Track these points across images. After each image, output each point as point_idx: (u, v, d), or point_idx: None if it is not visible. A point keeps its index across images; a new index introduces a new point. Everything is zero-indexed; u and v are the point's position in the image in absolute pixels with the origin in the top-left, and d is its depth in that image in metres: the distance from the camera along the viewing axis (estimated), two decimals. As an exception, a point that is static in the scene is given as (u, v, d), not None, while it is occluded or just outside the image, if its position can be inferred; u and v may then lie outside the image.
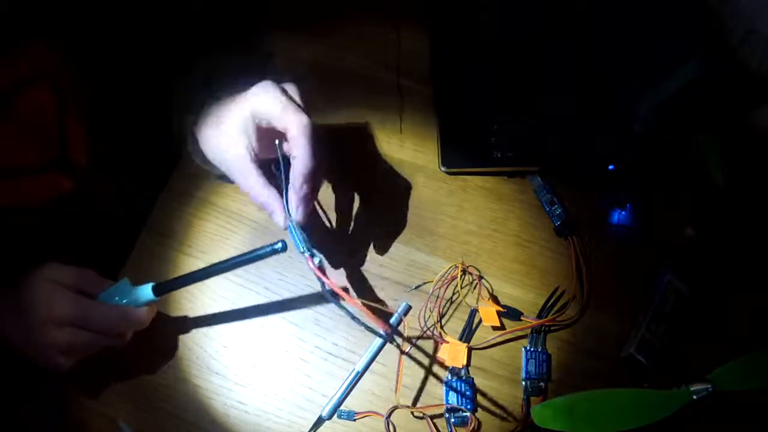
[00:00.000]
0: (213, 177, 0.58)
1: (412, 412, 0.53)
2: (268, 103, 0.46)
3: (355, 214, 0.60)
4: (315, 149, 0.46)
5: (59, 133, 0.53)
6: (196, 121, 0.50)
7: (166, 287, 0.50)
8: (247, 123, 0.46)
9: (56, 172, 0.54)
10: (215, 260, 0.56)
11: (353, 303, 0.44)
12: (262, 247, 0.46)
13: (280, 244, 0.45)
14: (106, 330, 0.48)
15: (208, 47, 0.57)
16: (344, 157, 0.62)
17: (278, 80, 0.48)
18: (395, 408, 0.52)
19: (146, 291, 0.50)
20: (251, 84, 0.47)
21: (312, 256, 0.44)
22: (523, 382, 0.54)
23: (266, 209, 0.47)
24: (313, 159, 0.46)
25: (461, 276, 0.57)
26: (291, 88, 0.48)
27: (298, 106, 0.46)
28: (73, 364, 0.48)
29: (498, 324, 0.55)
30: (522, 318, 0.56)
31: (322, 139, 0.47)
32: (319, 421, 0.52)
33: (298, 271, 0.57)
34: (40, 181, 0.53)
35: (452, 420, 0.52)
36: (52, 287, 0.47)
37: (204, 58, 0.55)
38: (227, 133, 0.47)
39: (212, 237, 0.58)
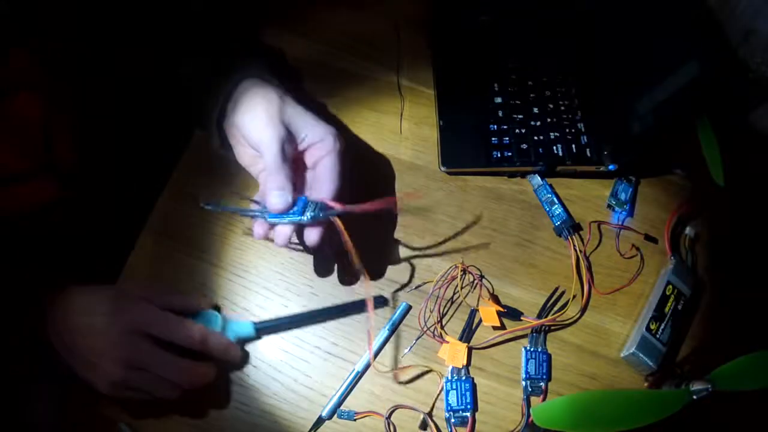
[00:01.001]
0: (226, 163, 0.57)
1: (412, 412, 0.53)
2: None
3: (355, 215, 0.60)
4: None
5: (46, 140, 0.53)
6: (230, 98, 0.51)
7: (267, 327, 0.54)
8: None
9: (43, 178, 0.54)
10: (215, 261, 0.57)
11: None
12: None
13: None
14: (196, 346, 0.49)
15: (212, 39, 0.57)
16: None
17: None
18: (396, 408, 0.52)
19: (245, 327, 0.53)
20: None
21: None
22: (523, 382, 0.54)
23: (274, 181, 0.47)
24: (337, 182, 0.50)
25: (461, 276, 0.57)
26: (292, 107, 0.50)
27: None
28: (116, 388, 0.47)
29: (498, 324, 0.55)
30: (522, 318, 0.56)
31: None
32: (319, 421, 0.52)
33: (297, 271, 0.57)
34: (27, 188, 0.53)
35: (452, 420, 0.52)
36: (144, 301, 0.48)
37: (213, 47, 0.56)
38: (267, 112, 0.48)
39: (212, 237, 0.58)
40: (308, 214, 0.47)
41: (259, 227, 0.49)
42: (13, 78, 0.49)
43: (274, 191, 0.47)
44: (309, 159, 0.52)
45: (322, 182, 0.50)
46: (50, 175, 0.54)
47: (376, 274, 0.57)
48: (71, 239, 0.57)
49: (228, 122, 0.52)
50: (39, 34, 0.50)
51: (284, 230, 0.48)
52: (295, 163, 0.50)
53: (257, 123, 0.48)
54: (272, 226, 0.49)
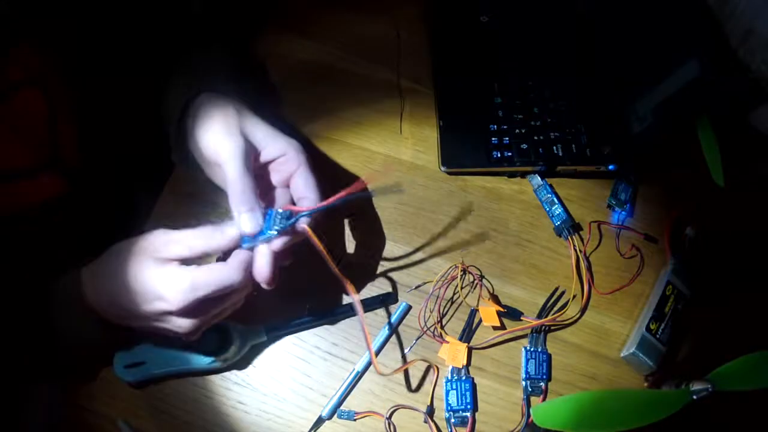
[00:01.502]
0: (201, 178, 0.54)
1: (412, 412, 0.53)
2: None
3: (355, 215, 0.60)
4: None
5: (51, 136, 0.53)
6: (188, 113, 0.49)
7: (277, 331, 0.54)
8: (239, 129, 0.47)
9: (48, 174, 0.54)
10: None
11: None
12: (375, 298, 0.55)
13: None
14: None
15: (190, 46, 0.57)
16: (344, 157, 0.63)
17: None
18: (396, 408, 0.52)
19: (257, 333, 0.53)
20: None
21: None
22: (523, 382, 0.54)
23: (242, 203, 0.44)
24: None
25: (461, 276, 0.57)
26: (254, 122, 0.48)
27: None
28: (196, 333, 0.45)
29: (498, 324, 0.55)
30: (522, 318, 0.56)
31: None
32: (319, 421, 0.52)
33: (297, 271, 0.57)
34: (32, 184, 0.53)
35: (452, 420, 0.52)
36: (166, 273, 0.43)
37: (186, 58, 0.55)
38: (224, 124, 0.46)
39: (212, 237, 0.58)
40: (277, 227, 0.44)
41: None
42: (18, 74, 0.49)
43: (244, 214, 0.43)
44: (275, 176, 0.49)
45: (304, 199, 0.47)
46: (55, 171, 0.54)
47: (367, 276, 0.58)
48: (73, 237, 0.57)
49: (191, 141, 0.49)
50: (45, 31, 0.50)
51: (263, 266, 0.44)
52: (258, 180, 0.47)
53: (215, 137, 0.45)
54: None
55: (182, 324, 0.44)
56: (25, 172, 0.52)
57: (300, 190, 0.48)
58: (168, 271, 0.42)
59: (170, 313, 0.43)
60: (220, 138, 0.45)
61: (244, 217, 0.44)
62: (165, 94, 0.54)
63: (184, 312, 0.43)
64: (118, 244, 0.46)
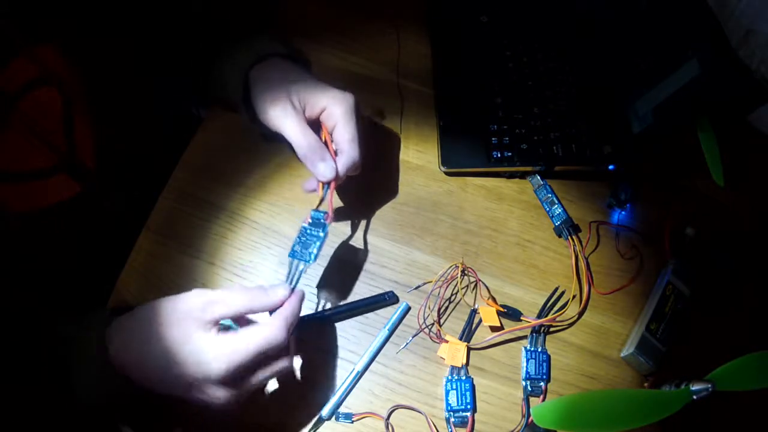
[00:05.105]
0: (259, 135, 0.59)
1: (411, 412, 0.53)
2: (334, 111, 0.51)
3: (356, 215, 0.60)
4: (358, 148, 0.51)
5: (67, 136, 0.53)
6: (251, 92, 0.53)
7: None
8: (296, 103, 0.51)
9: (65, 175, 0.53)
10: (215, 261, 0.57)
11: None
12: (377, 297, 0.56)
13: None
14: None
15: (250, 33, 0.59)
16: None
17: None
18: (395, 408, 0.52)
19: None
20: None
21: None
22: (523, 382, 0.54)
23: (312, 159, 0.49)
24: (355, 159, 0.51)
25: (461, 276, 0.57)
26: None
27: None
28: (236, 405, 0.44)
29: (498, 324, 0.55)
30: (522, 318, 0.56)
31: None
32: (319, 421, 0.52)
33: (298, 271, 0.57)
34: (49, 184, 0.53)
35: (452, 420, 0.52)
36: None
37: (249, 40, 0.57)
38: (280, 101, 0.50)
39: (212, 237, 0.58)
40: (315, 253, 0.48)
41: (309, 184, 0.52)
42: (35, 74, 0.49)
43: (319, 164, 0.49)
44: (327, 128, 0.52)
45: (342, 152, 0.51)
46: (72, 171, 0.54)
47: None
48: (79, 236, 0.57)
49: (255, 110, 0.53)
50: (62, 31, 0.50)
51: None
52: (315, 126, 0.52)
53: (271, 111, 0.50)
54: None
55: (221, 395, 0.42)
56: (40, 173, 0.52)
57: (338, 142, 0.51)
58: (209, 337, 0.41)
59: (210, 381, 0.41)
60: (276, 111, 0.50)
61: (320, 167, 0.49)
62: (218, 67, 0.57)
63: (225, 380, 0.41)
64: (153, 303, 0.44)
